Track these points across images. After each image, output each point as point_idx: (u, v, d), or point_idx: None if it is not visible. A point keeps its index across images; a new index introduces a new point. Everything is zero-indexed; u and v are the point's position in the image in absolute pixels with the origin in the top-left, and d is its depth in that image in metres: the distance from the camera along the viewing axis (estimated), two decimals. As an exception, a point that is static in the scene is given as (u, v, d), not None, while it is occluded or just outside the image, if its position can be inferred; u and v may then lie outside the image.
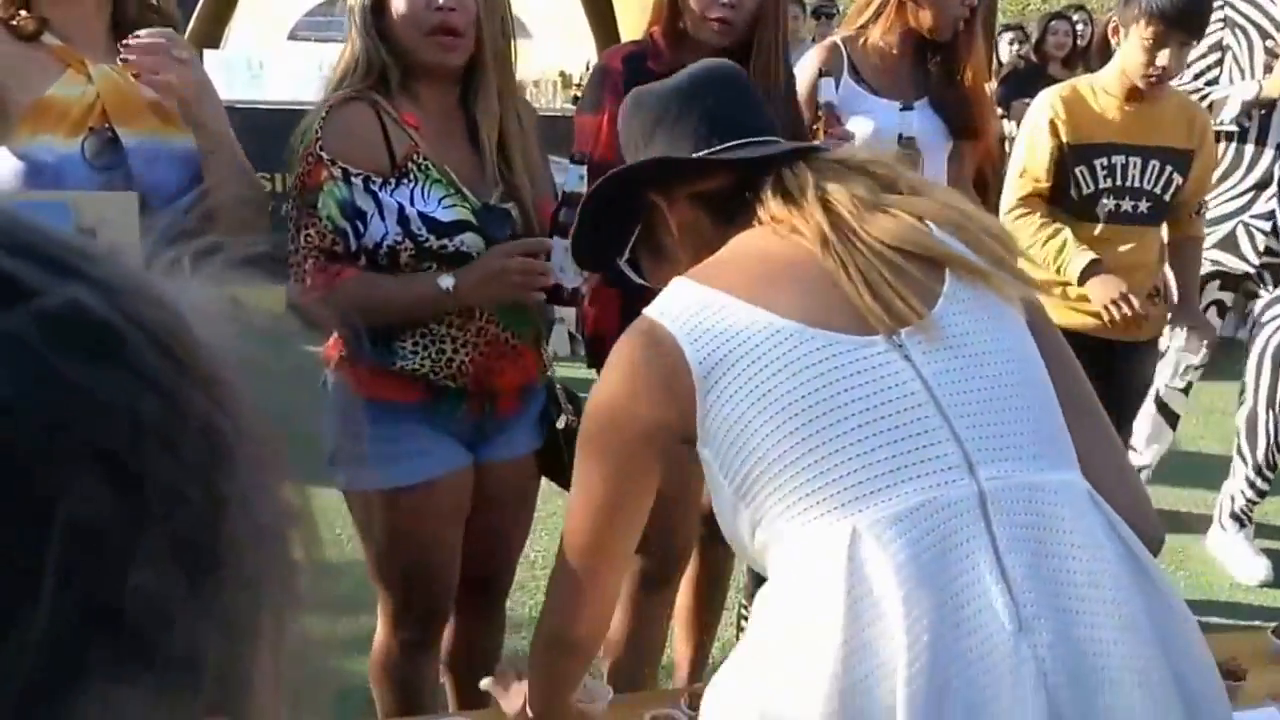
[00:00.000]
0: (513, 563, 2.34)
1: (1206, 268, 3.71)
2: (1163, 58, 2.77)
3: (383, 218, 1.88)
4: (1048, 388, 1.23)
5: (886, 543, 1.09)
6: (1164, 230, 3.10)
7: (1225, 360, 6.19)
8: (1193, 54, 3.17)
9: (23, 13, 1.78)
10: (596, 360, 2.31)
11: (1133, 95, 2.93)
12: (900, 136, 2.38)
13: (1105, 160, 2.94)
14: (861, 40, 2.64)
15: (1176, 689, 1.11)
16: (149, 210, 1.62)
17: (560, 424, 2.16)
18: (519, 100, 2.09)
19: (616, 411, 1.25)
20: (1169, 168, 2.97)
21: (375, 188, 1.89)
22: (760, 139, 1.36)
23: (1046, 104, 2.90)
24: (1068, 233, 2.94)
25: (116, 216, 1.51)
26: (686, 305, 1.22)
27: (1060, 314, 3.02)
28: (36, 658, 0.29)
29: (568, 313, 6.17)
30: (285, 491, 0.38)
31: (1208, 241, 3.61)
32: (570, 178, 1.95)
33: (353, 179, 1.88)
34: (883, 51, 2.63)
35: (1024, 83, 5.98)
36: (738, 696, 1.18)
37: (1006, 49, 7.27)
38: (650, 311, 1.25)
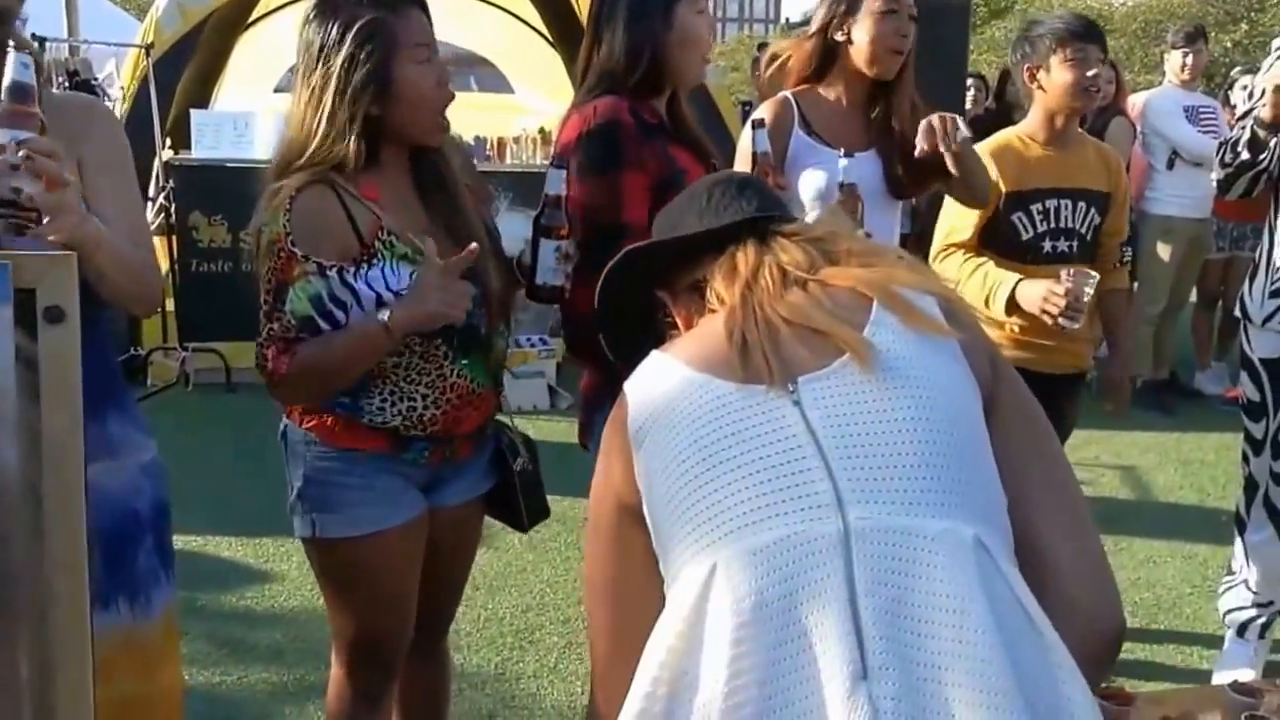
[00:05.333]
0: (456, 603, 2.34)
1: None
2: (1092, 68, 2.94)
3: (362, 307, 1.89)
4: (966, 445, 1.19)
5: (735, 577, 1.08)
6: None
7: (1200, 411, 6.25)
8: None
9: None
10: (573, 346, 2.36)
11: (1054, 140, 3.04)
12: (840, 184, 2.40)
13: (1040, 205, 3.02)
14: (812, 93, 2.68)
15: None
16: None
17: (516, 467, 2.16)
18: (448, 141, 2.08)
19: (599, 487, 1.30)
20: (1091, 208, 3.06)
21: (350, 278, 1.89)
22: (733, 220, 1.38)
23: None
24: (989, 264, 2.98)
25: (57, 277, 1.50)
26: (642, 371, 1.30)
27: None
28: None
29: (548, 366, 6.22)
30: None
31: None
32: (553, 181, 2.07)
33: (328, 273, 1.88)
34: (831, 103, 2.67)
35: (989, 132, 6.01)
36: None
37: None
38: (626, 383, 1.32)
